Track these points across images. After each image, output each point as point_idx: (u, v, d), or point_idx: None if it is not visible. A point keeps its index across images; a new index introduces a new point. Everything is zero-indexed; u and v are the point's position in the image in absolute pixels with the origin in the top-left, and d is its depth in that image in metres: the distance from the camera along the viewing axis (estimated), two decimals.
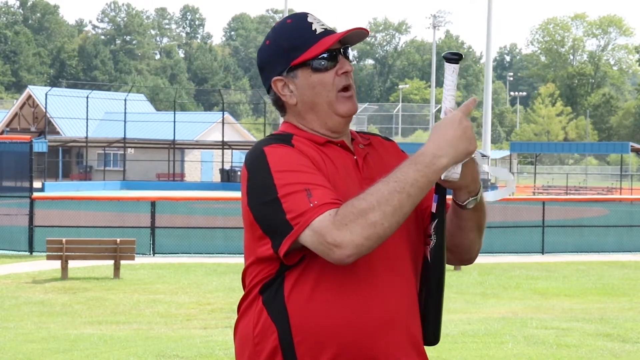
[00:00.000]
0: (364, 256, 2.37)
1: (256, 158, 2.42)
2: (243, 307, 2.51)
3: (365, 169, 2.51)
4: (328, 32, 2.51)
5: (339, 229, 2.25)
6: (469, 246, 2.58)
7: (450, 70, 2.41)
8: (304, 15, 2.54)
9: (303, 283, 2.38)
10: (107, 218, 20.94)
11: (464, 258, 2.61)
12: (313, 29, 2.50)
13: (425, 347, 2.54)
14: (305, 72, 2.49)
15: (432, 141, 2.30)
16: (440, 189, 2.45)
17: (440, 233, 2.46)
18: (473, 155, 2.39)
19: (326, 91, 2.49)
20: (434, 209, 2.47)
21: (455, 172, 2.36)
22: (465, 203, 2.46)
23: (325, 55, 2.48)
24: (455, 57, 2.40)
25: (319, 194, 2.31)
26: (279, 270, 2.41)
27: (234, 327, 2.56)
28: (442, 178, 2.37)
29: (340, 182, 2.43)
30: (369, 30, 2.56)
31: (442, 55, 2.44)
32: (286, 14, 63.83)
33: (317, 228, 2.27)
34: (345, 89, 2.50)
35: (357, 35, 2.51)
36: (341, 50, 2.51)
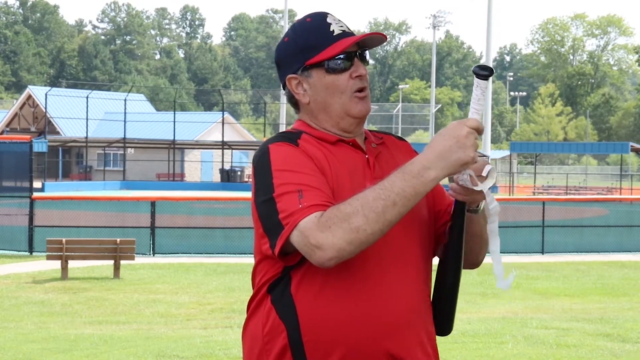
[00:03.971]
0: (375, 255, 2.39)
1: (261, 156, 2.43)
2: (252, 307, 2.51)
3: (377, 168, 2.51)
4: (346, 34, 2.50)
5: (322, 231, 2.24)
6: (478, 250, 2.59)
7: (478, 85, 2.34)
8: (324, 15, 2.53)
9: (311, 282, 2.38)
10: (107, 218, 20.94)
11: (472, 262, 2.63)
12: (331, 29, 2.50)
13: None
14: (319, 73, 2.49)
15: (425, 151, 2.29)
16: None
17: (459, 231, 2.45)
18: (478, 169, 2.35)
19: (339, 93, 2.49)
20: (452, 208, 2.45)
21: (465, 179, 2.34)
22: (477, 207, 2.46)
23: (340, 57, 2.48)
24: (484, 73, 2.33)
25: (310, 196, 2.31)
26: (285, 269, 2.42)
27: (242, 327, 2.56)
28: (460, 184, 2.35)
29: (346, 182, 2.43)
30: (386, 35, 2.55)
31: (472, 69, 2.37)
32: (286, 14, 63.85)
33: (303, 229, 2.27)
34: (359, 90, 2.50)
35: (374, 39, 2.51)
36: (357, 53, 2.51)
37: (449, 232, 2.47)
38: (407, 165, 2.28)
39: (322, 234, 2.24)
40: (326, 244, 2.24)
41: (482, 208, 2.48)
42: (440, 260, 2.52)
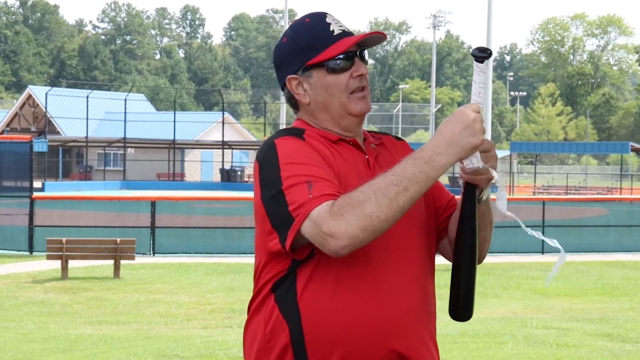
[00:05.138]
0: (378, 254, 2.40)
1: (267, 150, 2.43)
2: (254, 306, 2.51)
3: (377, 168, 2.51)
4: (346, 33, 2.51)
5: (335, 219, 2.24)
6: (481, 245, 2.58)
7: (478, 68, 2.36)
8: (323, 15, 2.54)
9: (316, 281, 2.38)
10: (107, 218, 20.94)
11: None
12: (331, 29, 2.50)
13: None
14: (320, 73, 2.49)
15: (434, 138, 2.30)
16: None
17: (471, 214, 2.45)
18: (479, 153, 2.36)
19: (339, 92, 2.49)
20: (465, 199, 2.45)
21: (472, 163, 2.35)
22: (480, 196, 2.46)
23: (341, 56, 2.48)
24: (483, 55, 2.35)
25: (320, 186, 2.32)
26: (291, 267, 2.41)
27: (244, 326, 2.56)
28: (467, 169, 2.37)
29: (352, 178, 2.43)
30: (386, 34, 2.56)
31: (471, 52, 2.38)
32: (286, 14, 63.76)
33: (315, 218, 2.27)
34: (359, 89, 2.51)
35: (374, 38, 2.51)
36: (357, 52, 2.51)
37: (460, 218, 2.46)
38: (417, 152, 2.30)
39: (335, 222, 2.24)
40: (339, 231, 2.24)
41: (484, 197, 2.48)
42: (455, 246, 2.49)
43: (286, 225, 2.33)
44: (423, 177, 2.26)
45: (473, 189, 2.44)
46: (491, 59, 2.39)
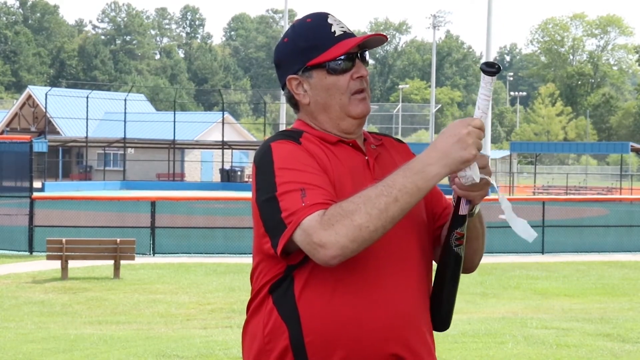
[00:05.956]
0: (376, 258, 2.39)
1: (263, 154, 2.43)
2: (253, 307, 2.50)
3: (377, 169, 2.51)
4: (347, 35, 2.50)
5: (325, 229, 2.24)
6: (472, 256, 2.59)
7: (485, 82, 2.35)
8: (325, 16, 2.53)
9: (314, 283, 2.38)
10: (107, 218, 20.94)
11: (466, 267, 2.61)
12: (332, 30, 2.49)
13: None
14: (320, 73, 2.49)
15: (428, 149, 2.30)
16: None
17: (456, 229, 2.45)
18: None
19: (339, 94, 2.49)
20: (463, 211, 2.44)
21: (467, 176, 2.33)
22: (472, 210, 2.46)
23: (342, 58, 2.47)
24: (492, 70, 2.34)
25: (313, 194, 2.32)
26: (287, 270, 2.41)
27: (243, 327, 2.56)
28: (463, 182, 2.34)
29: (347, 182, 2.43)
30: (387, 36, 2.55)
31: (480, 66, 2.37)
32: (286, 14, 63.75)
33: (306, 227, 2.27)
34: (360, 91, 2.51)
35: (375, 40, 2.51)
36: (358, 54, 2.51)
37: (448, 231, 2.47)
38: (410, 162, 2.30)
39: (326, 232, 2.24)
40: (329, 242, 2.24)
41: (476, 211, 2.48)
42: (440, 259, 2.51)
43: (278, 231, 2.34)
44: (413, 188, 2.26)
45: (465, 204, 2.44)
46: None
